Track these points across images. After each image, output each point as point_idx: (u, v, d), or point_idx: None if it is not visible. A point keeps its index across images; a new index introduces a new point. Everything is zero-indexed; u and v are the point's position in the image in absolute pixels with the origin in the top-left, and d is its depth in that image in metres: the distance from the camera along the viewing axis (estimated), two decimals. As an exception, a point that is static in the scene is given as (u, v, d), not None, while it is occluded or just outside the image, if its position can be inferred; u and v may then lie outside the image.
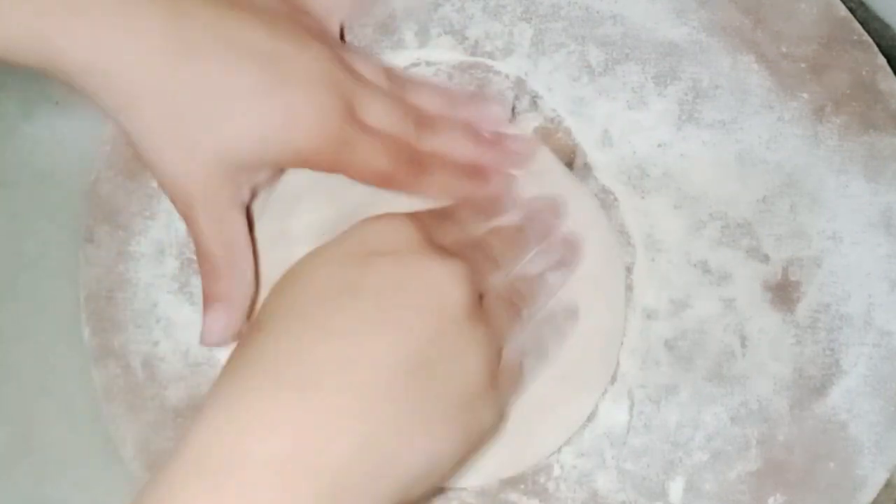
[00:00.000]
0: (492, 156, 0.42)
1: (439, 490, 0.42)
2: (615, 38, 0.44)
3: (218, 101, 0.37)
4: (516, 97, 0.44)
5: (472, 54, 0.45)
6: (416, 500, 0.34)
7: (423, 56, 0.45)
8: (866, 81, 0.42)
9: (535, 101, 0.44)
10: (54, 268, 0.45)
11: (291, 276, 0.36)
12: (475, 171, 0.42)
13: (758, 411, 0.41)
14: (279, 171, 0.42)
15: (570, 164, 0.43)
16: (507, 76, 0.44)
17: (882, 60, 0.43)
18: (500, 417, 0.37)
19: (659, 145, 0.43)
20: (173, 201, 0.39)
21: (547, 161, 0.43)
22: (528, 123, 0.44)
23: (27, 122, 0.48)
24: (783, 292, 0.42)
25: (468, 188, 0.41)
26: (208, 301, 0.39)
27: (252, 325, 0.35)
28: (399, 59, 0.45)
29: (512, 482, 0.41)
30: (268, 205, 0.43)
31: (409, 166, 0.40)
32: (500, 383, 0.36)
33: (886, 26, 0.45)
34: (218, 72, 0.37)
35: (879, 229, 0.42)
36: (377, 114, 0.40)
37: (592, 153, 0.43)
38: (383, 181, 0.40)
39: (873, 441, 0.40)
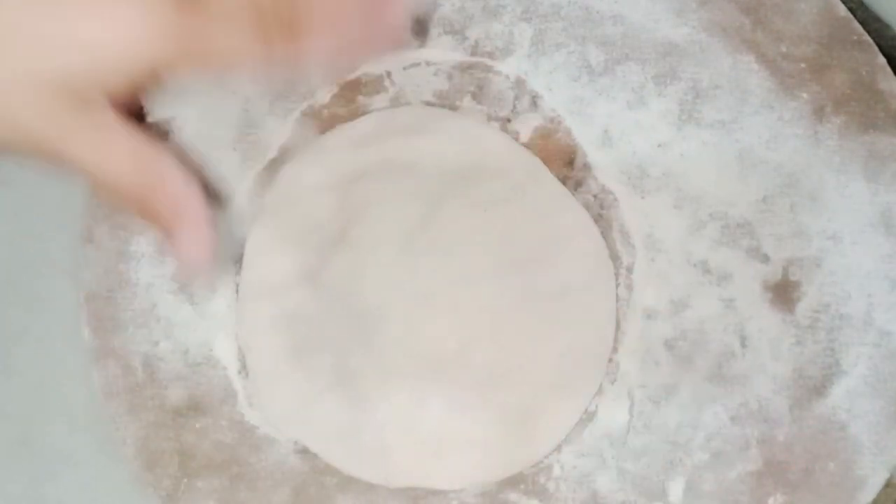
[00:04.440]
0: None
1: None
2: (615, 38, 0.44)
3: (38, 25, 0.32)
4: (516, 97, 0.44)
5: (472, 54, 0.45)
6: None
7: (423, 56, 0.45)
8: (866, 81, 0.43)
9: (535, 101, 0.44)
10: (54, 268, 0.45)
11: None
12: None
13: (758, 411, 0.41)
14: (151, 74, 0.34)
15: (570, 164, 0.43)
16: (507, 76, 0.44)
17: (882, 60, 0.43)
18: None
19: (659, 145, 0.43)
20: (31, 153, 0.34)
21: (535, 171, 0.43)
22: (529, 123, 0.44)
23: (27, 123, 0.48)
24: (783, 292, 0.42)
25: (367, 26, 0.34)
26: (163, 231, 0.33)
27: None
28: (399, 59, 0.45)
29: (512, 482, 0.41)
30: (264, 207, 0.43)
31: (279, 28, 0.33)
32: None
33: (886, 26, 0.45)
34: None
35: (879, 229, 0.42)
36: None
37: (592, 153, 0.43)
38: (258, 56, 0.33)
39: (873, 441, 0.40)
